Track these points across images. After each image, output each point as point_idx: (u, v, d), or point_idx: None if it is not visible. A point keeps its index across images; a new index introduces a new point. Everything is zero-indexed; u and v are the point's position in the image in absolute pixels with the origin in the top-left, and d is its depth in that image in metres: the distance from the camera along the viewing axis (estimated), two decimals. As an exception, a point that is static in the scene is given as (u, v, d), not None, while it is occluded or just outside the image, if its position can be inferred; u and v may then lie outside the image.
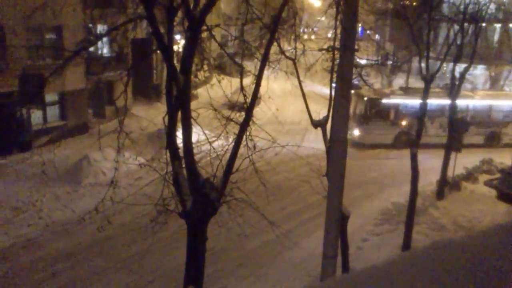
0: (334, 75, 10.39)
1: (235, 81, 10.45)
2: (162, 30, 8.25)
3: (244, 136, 8.91)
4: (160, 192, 9.15)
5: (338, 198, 9.03)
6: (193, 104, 8.95)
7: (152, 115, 28.69)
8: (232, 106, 10.53)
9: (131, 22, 9.25)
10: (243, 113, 9.16)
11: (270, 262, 14.83)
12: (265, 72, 9.21)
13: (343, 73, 8.30)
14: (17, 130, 23.02)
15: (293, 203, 19.04)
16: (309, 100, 12.16)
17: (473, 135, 25.51)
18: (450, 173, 20.03)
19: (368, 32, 29.82)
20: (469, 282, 1.60)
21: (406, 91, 27.90)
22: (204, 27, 8.54)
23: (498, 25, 33.04)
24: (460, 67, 19.65)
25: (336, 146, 8.86)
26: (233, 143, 8.93)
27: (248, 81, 9.65)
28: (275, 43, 9.52)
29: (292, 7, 10.33)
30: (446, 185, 19.95)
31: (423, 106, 15.43)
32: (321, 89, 36.53)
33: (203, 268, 9.07)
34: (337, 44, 10.66)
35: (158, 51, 10.12)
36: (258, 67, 9.02)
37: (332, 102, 9.48)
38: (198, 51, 9.13)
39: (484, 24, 21.21)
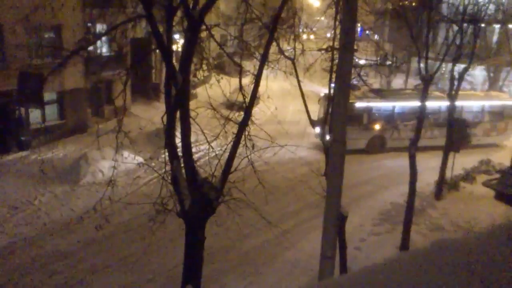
0: (333, 75, 10.41)
1: (234, 81, 10.47)
2: (161, 29, 8.25)
3: (243, 136, 8.92)
4: (158, 191, 9.16)
5: (337, 198, 9.02)
6: (192, 104, 8.96)
7: (151, 114, 28.71)
8: (231, 105, 10.56)
9: (130, 22, 9.25)
10: (242, 113, 9.18)
11: (268, 262, 14.83)
12: (264, 72, 9.22)
13: (342, 73, 8.28)
14: (16, 129, 22.99)
15: (292, 203, 19.05)
16: (308, 100, 12.18)
17: (442, 137, 25.13)
18: (448, 173, 20.08)
19: (367, 32, 29.82)
20: (467, 282, 1.60)
21: (378, 93, 27.00)
22: (203, 27, 8.54)
23: (497, 26, 33.05)
24: (459, 68, 19.67)
25: (335, 145, 8.85)
26: (231, 143, 8.94)
27: (247, 80, 9.67)
28: (274, 43, 9.54)
29: (291, 7, 10.36)
30: (445, 186, 19.99)
31: (423, 107, 15.43)
32: (320, 89, 36.54)
33: (201, 268, 9.08)
34: (336, 44, 10.69)
35: (157, 51, 10.13)
36: (257, 67, 9.03)
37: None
38: (197, 50, 9.14)
39: (483, 25, 21.22)
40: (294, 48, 11.35)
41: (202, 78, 10.68)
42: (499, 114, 27.63)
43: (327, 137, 25.34)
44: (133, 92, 30.34)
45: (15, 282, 13.59)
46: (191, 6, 8.35)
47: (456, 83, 19.27)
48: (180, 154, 8.69)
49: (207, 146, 9.55)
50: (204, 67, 10.19)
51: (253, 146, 9.30)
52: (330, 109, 25.45)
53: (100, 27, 24.55)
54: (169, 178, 8.89)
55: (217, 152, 9.33)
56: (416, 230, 16.10)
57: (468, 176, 21.69)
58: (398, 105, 26.14)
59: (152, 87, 33.96)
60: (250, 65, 11.55)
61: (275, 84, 27.15)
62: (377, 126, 25.94)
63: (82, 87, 26.48)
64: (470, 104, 27.19)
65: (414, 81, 34.52)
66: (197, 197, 8.49)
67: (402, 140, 25.19)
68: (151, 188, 19.08)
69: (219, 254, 14.85)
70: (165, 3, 8.41)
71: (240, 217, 11.19)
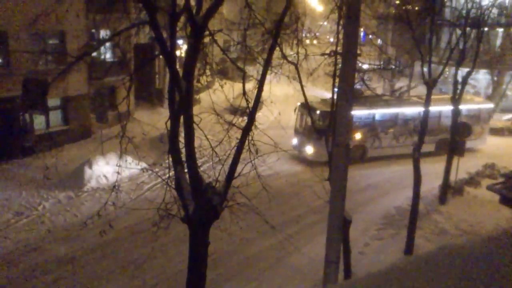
0: (337, 80, 10.41)
1: (238, 86, 10.47)
2: (165, 35, 8.28)
3: (247, 141, 8.92)
4: (162, 197, 9.17)
5: (341, 202, 9.01)
6: (196, 109, 8.96)
7: (154, 120, 28.75)
8: (235, 110, 10.56)
9: (134, 27, 9.28)
10: (245, 118, 9.18)
11: (272, 267, 14.80)
12: (268, 77, 9.23)
13: (345, 77, 8.29)
14: (20, 135, 23.05)
15: (295, 208, 19.02)
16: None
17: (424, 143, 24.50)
18: (452, 177, 20.02)
19: (370, 36, 29.80)
20: (472, 286, 1.60)
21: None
22: (207, 32, 8.56)
23: (500, 30, 33.05)
24: (462, 72, 19.66)
25: (339, 150, 8.85)
26: (235, 148, 8.94)
27: (250, 85, 9.67)
28: (277, 48, 9.55)
29: (294, 12, 10.37)
30: (449, 190, 19.92)
31: (426, 112, 15.43)
32: (323, 94, 36.53)
33: (205, 273, 9.05)
34: (339, 48, 10.71)
35: (161, 56, 10.16)
36: (260, 72, 9.04)
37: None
38: (200, 56, 9.16)
39: (486, 29, 21.21)
40: (297, 53, 11.37)
41: (205, 83, 10.70)
42: (475, 118, 27.03)
43: (309, 147, 23.83)
44: (137, 98, 30.46)
45: (20, 287, 13.61)
46: (194, 11, 8.38)
47: (459, 87, 19.24)
48: (184, 159, 8.69)
49: (211, 152, 9.55)
50: (208, 72, 10.19)
51: (256, 151, 9.30)
52: (307, 119, 24.42)
53: (103, 33, 24.65)
54: (173, 183, 8.89)
55: (220, 157, 9.32)
56: (420, 235, 16.04)
57: (472, 180, 21.61)
58: (379, 113, 25.38)
59: (156, 93, 34.02)
60: (253, 70, 11.57)
61: (278, 89, 27.05)
62: (357, 135, 24.97)
63: (86, 93, 26.57)
64: (448, 109, 26.59)
65: (417, 85, 34.45)
66: (201, 202, 8.48)
67: (383, 149, 25.07)
68: (155, 194, 19.10)
69: (223, 259, 14.83)
70: (168, 9, 8.44)
71: (243, 222, 11.17)
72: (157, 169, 15.15)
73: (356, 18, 8.04)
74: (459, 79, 19.22)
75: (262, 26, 10.20)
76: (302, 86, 11.54)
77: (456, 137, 19.41)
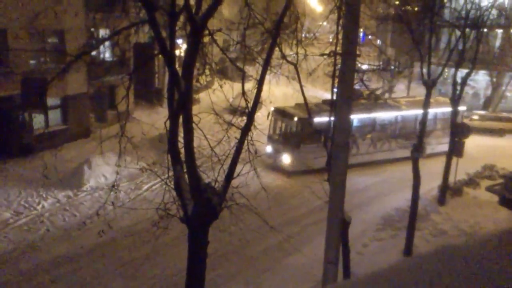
0: (336, 80, 10.41)
1: (237, 86, 10.47)
2: (164, 34, 8.27)
3: (246, 141, 8.92)
4: (161, 197, 9.16)
5: (340, 203, 9.01)
6: (195, 109, 8.96)
7: (153, 119, 28.69)
8: (234, 110, 10.55)
9: (133, 27, 9.27)
10: (244, 118, 9.18)
11: (272, 267, 14.79)
12: (267, 77, 9.23)
13: (344, 78, 8.30)
14: (19, 134, 23.03)
15: (295, 208, 19.01)
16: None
17: (400, 148, 24.17)
18: (451, 178, 20.03)
19: (369, 37, 29.84)
20: (471, 287, 1.59)
21: (333, 105, 24.83)
22: (206, 32, 8.56)
23: (499, 31, 33.06)
24: (461, 73, 19.67)
25: (337, 151, 8.85)
26: (234, 148, 8.93)
27: (249, 85, 9.67)
28: (276, 48, 9.54)
29: (293, 12, 10.35)
30: (448, 191, 19.93)
31: (425, 114, 15.47)
32: (322, 94, 36.55)
33: (204, 273, 9.05)
34: (338, 49, 10.69)
35: (160, 56, 10.15)
36: (259, 72, 9.04)
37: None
38: (200, 55, 9.15)
39: (485, 30, 21.22)
40: (297, 53, 11.36)
41: (204, 83, 10.70)
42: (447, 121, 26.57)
43: (279, 155, 22.63)
44: (136, 97, 30.41)
45: (18, 287, 13.59)
46: (194, 11, 8.37)
47: (459, 88, 19.26)
48: (183, 159, 8.68)
49: (210, 151, 9.55)
50: (207, 72, 10.20)
51: (256, 151, 9.30)
52: (282, 125, 23.58)
53: (103, 32, 24.64)
54: (172, 183, 8.88)
55: (220, 157, 9.31)
56: (419, 235, 16.05)
57: (472, 181, 21.63)
58: (356, 118, 23.77)
59: (155, 92, 34.00)
60: (252, 70, 11.58)
61: (277, 89, 27.13)
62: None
63: (85, 92, 26.53)
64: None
65: (417, 86, 34.46)
66: (200, 202, 8.48)
67: (362, 156, 24.18)
68: (154, 193, 19.08)
69: (222, 260, 14.82)
70: (168, 8, 8.43)
71: (243, 222, 11.18)
72: (156, 169, 15.15)
73: (355, 19, 8.05)
74: (459, 80, 19.23)
75: (262, 26, 10.20)
76: (301, 86, 11.52)
77: (456, 138, 19.40)
